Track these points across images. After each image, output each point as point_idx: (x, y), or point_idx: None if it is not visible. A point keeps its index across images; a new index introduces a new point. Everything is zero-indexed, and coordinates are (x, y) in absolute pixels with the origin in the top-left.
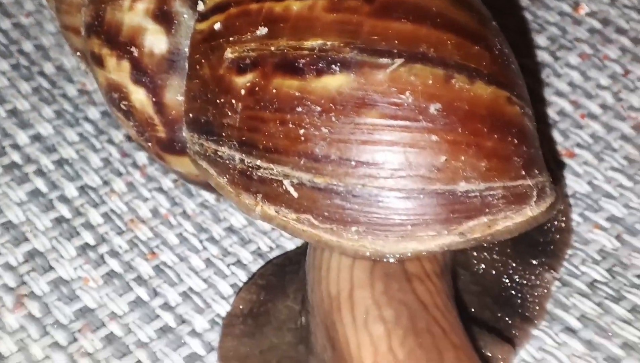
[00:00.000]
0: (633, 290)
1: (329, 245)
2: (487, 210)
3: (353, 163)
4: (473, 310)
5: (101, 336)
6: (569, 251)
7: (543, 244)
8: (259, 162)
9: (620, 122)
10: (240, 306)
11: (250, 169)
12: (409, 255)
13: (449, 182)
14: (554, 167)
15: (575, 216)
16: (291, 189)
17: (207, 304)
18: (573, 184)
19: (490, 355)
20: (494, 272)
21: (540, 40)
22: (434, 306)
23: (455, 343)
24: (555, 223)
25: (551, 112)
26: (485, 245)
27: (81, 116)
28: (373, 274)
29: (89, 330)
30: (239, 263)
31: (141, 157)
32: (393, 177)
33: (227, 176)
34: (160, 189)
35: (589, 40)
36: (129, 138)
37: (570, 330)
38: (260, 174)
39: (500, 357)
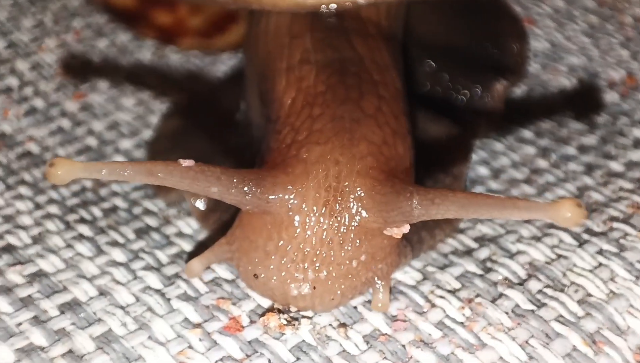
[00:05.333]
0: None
1: (247, 1)
2: None
3: None
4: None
5: (17, 153)
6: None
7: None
8: None
9: None
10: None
11: None
12: (334, 6)
13: None
14: None
15: (535, 65)
16: None
17: (136, 130)
18: (534, 43)
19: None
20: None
21: None
22: (372, 60)
23: (382, 94)
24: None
25: None
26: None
27: None
28: (312, 26)
29: (5, 147)
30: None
31: (78, 21)
32: None
33: None
34: (94, 47)
35: None
36: None
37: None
38: None
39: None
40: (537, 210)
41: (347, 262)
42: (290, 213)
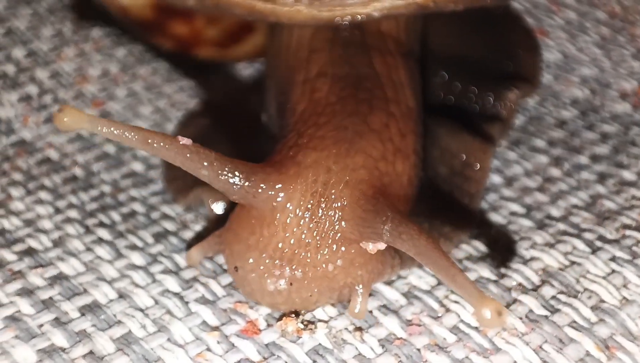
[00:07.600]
0: (604, 124)
1: (264, 13)
2: None
3: None
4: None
5: (38, 159)
6: (538, 97)
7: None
8: None
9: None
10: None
11: None
12: (348, 18)
13: None
14: None
15: (548, 76)
16: None
17: None
18: (546, 54)
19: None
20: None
21: None
22: (388, 77)
23: (392, 112)
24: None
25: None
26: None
27: None
28: (332, 41)
29: (25, 153)
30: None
31: (96, 31)
32: None
33: None
34: (112, 56)
35: None
36: None
37: (536, 149)
38: None
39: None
40: (467, 294)
41: (323, 265)
42: (274, 212)
